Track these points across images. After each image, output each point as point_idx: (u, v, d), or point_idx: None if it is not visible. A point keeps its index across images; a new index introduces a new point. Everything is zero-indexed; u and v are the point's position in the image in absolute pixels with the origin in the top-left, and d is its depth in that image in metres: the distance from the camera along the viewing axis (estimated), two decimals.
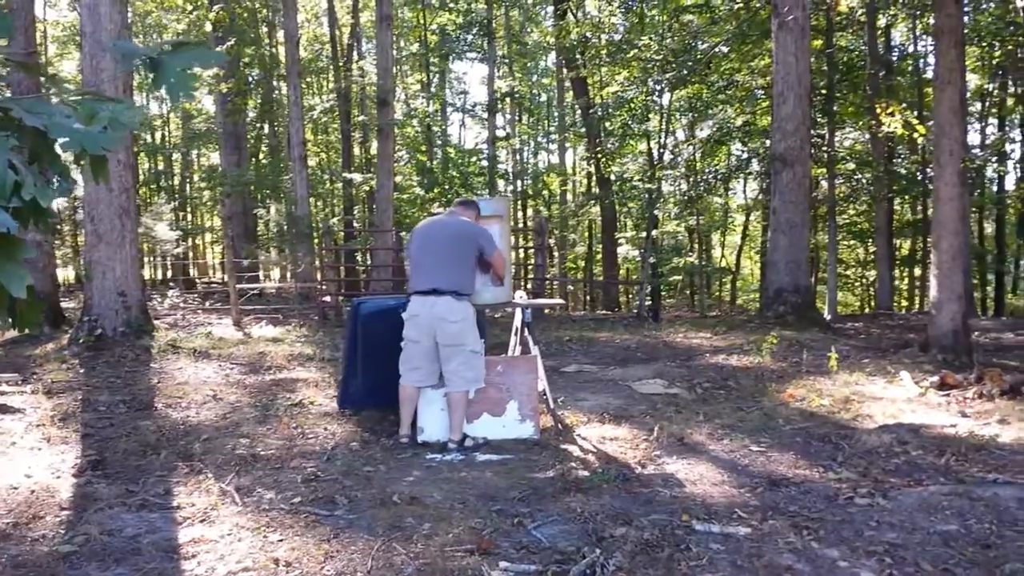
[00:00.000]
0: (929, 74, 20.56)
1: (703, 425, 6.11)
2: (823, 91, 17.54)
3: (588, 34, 20.58)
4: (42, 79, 11.36)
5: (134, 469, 5.05)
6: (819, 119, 17.48)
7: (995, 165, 21.11)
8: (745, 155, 21.48)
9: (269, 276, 25.53)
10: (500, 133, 29.72)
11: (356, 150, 29.45)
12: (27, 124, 1.85)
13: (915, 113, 17.72)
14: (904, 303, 26.64)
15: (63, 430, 6.05)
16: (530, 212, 31.17)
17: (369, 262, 21.14)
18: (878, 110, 13.92)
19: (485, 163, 26.35)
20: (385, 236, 17.39)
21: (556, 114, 31.88)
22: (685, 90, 19.83)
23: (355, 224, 26.44)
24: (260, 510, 4.25)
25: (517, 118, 32.41)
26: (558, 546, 3.71)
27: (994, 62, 21.44)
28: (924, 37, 22.90)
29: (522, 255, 26.96)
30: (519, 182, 30.77)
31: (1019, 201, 20.49)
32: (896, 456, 5.15)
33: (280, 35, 25.20)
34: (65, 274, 26.33)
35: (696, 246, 27.98)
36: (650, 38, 18.87)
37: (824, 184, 19.12)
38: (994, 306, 24.33)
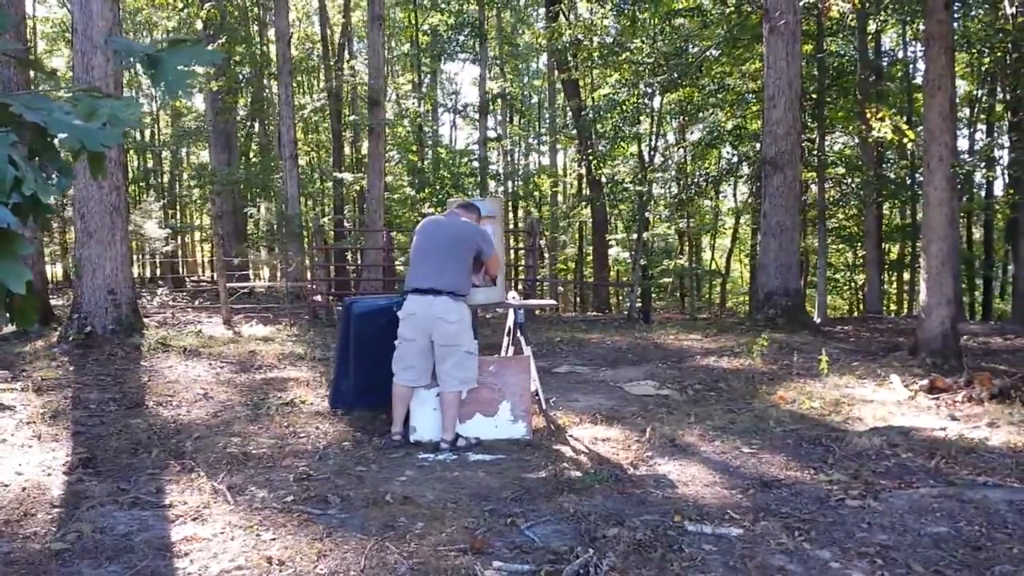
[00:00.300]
0: (918, 79, 20.65)
1: (694, 426, 6.13)
2: (813, 95, 17.63)
3: (580, 36, 20.59)
4: (38, 75, 11.30)
5: (125, 467, 5.03)
6: (809, 123, 17.56)
7: (984, 170, 21.22)
8: (735, 158, 21.56)
9: (259, 275, 25.46)
10: (491, 134, 29.72)
11: (347, 150, 29.42)
12: (27, 120, 1.84)
13: (904, 118, 17.82)
14: (893, 307, 26.77)
15: (54, 428, 6.02)
16: (521, 213, 31.18)
17: (359, 262, 21.11)
18: (868, 115, 13.99)
19: (476, 164, 26.34)
20: (375, 236, 17.37)
21: (547, 116, 31.92)
22: (676, 93, 19.89)
23: (346, 224, 26.40)
24: (252, 509, 4.24)
25: (508, 119, 32.42)
26: (551, 546, 3.72)
27: (983, 68, 21.60)
28: (914, 43, 23.07)
29: (513, 256, 26.97)
30: (510, 183, 30.78)
31: (1007, 206, 20.59)
32: (886, 458, 5.17)
33: (271, 33, 25.13)
34: (53, 271, 26.19)
35: (686, 248, 28.07)
36: (642, 41, 18.91)
37: (814, 188, 19.21)
38: (982, 310, 24.47)
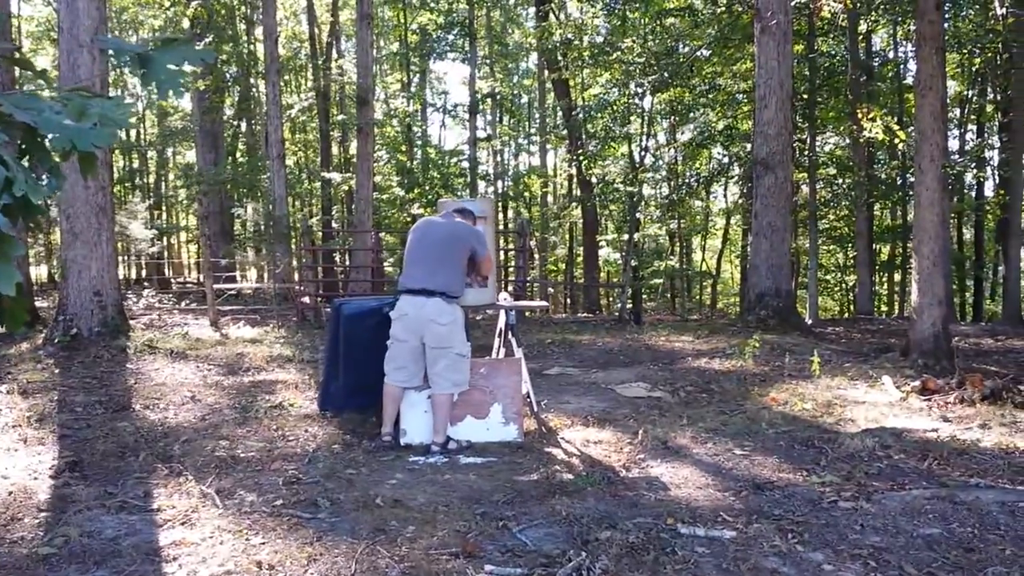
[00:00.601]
0: (909, 80, 20.78)
1: (686, 428, 6.11)
2: (805, 96, 17.67)
3: (570, 36, 20.59)
4: (23, 74, 11.21)
5: (112, 471, 4.98)
6: (800, 124, 17.60)
7: (974, 171, 21.32)
8: (726, 159, 21.60)
9: (246, 276, 25.36)
10: (481, 134, 29.70)
11: (335, 149, 29.33)
12: (17, 119, 1.81)
13: (895, 119, 17.85)
14: (884, 308, 26.85)
15: (39, 431, 5.96)
16: (511, 214, 31.16)
17: (348, 263, 21.04)
18: (859, 115, 14.01)
19: (466, 164, 26.31)
20: (364, 237, 17.31)
21: (537, 116, 31.91)
22: (667, 93, 19.92)
23: (334, 224, 26.32)
24: (241, 512, 4.20)
25: (498, 119, 32.40)
26: (543, 549, 3.69)
27: (974, 69, 21.69)
28: (904, 43, 23.14)
29: (503, 257, 26.93)
30: (500, 183, 30.76)
31: (998, 207, 20.69)
32: (879, 460, 5.17)
33: (258, 32, 25.03)
34: (38, 272, 26.03)
35: (677, 249, 28.10)
36: (632, 41, 18.91)
37: (805, 189, 19.26)
38: (973, 311, 24.58)
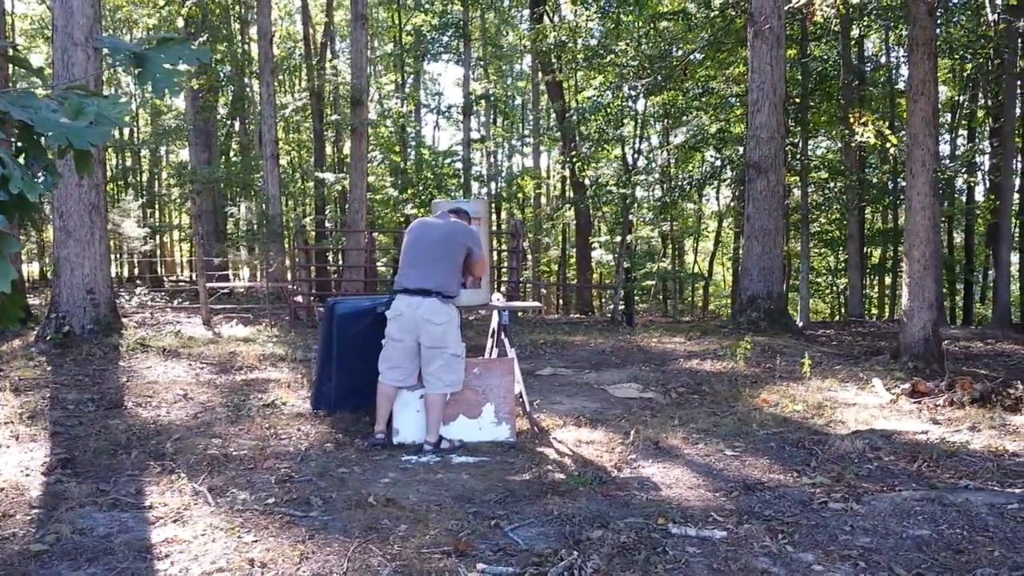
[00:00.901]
0: (901, 85, 20.83)
1: (678, 429, 6.13)
2: (797, 100, 17.72)
3: (564, 38, 20.62)
4: (16, 71, 11.18)
5: (105, 468, 4.98)
6: (793, 127, 17.64)
7: (965, 176, 21.39)
8: (719, 162, 21.64)
9: (239, 275, 25.30)
10: (475, 135, 29.70)
11: (329, 149, 29.30)
12: (13, 118, 1.82)
13: (887, 123, 17.92)
14: (875, 311, 26.94)
15: (31, 428, 5.95)
16: (504, 215, 31.18)
17: (341, 262, 21.02)
18: (851, 120, 14.07)
19: (459, 165, 26.31)
20: (357, 237, 17.31)
21: (531, 117, 31.94)
22: (660, 96, 19.94)
23: (327, 224, 26.29)
24: (234, 511, 4.20)
25: (492, 121, 32.40)
26: (535, 548, 3.71)
27: (965, 74, 21.77)
28: (897, 48, 23.23)
29: (496, 258, 26.96)
30: (494, 184, 30.77)
31: (988, 211, 20.78)
32: (869, 462, 5.20)
33: (253, 32, 24.99)
34: (30, 270, 25.94)
35: (670, 251, 28.15)
36: (626, 44, 18.94)
37: (797, 192, 19.31)
38: (963, 315, 24.66)
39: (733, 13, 16.75)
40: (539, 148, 30.96)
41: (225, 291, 18.71)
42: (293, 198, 31.35)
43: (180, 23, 21.55)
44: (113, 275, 17.62)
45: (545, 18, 22.89)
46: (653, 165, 23.91)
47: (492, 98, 28.70)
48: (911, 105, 9.50)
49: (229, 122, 28.68)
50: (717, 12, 17.69)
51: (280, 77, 29.66)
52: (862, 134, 13.54)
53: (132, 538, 3.80)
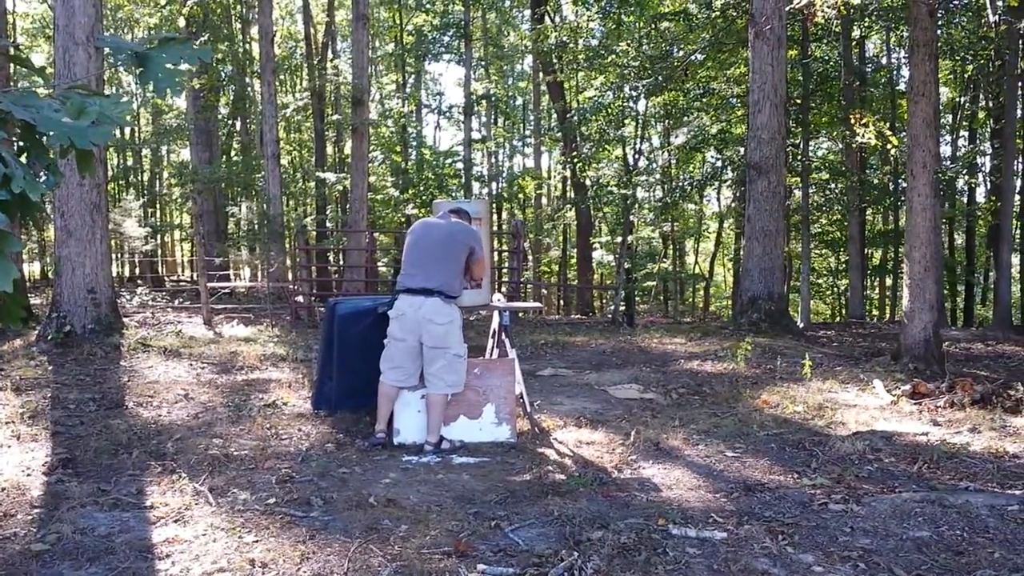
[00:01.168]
0: (902, 86, 20.82)
1: (678, 430, 6.14)
2: (798, 100, 17.71)
3: (565, 39, 20.61)
4: (17, 70, 11.19)
5: (106, 468, 4.99)
6: (794, 128, 17.63)
7: (966, 177, 21.38)
8: (720, 163, 21.63)
9: (240, 275, 25.30)
10: (476, 135, 29.70)
11: (330, 149, 29.30)
12: (16, 117, 1.82)
13: (888, 124, 17.90)
14: (876, 312, 26.93)
15: (32, 428, 5.95)
16: (505, 215, 31.18)
17: (342, 262, 21.03)
18: (852, 121, 14.04)
19: (460, 165, 26.31)
20: (358, 237, 17.30)
21: (532, 118, 31.94)
22: (661, 97, 19.93)
23: (328, 224, 26.30)
24: (234, 511, 4.21)
25: (493, 121, 32.40)
26: (535, 549, 3.71)
27: (966, 75, 21.77)
28: (898, 49, 23.21)
29: (497, 258, 26.96)
30: (495, 185, 30.78)
31: (989, 213, 20.78)
32: (869, 463, 5.20)
33: (254, 31, 24.99)
34: (30, 269, 25.95)
35: (670, 252, 28.14)
36: (627, 44, 18.95)
37: (798, 193, 19.30)
38: (963, 317, 24.65)
39: (734, 14, 16.74)
40: (540, 148, 30.95)
41: (226, 291, 18.71)
42: (294, 198, 31.35)
43: (181, 23, 21.55)
44: (114, 275, 17.62)
45: (546, 18, 22.90)
46: (654, 166, 23.92)
47: (493, 98, 28.73)
48: (912, 106, 9.50)
49: (230, 122, 28.69)
50: (718, 13, 17.67)
51: (281, 77, 29.68)
52: (863, 135, 13.51)
53: (133, 538, 3.81)
